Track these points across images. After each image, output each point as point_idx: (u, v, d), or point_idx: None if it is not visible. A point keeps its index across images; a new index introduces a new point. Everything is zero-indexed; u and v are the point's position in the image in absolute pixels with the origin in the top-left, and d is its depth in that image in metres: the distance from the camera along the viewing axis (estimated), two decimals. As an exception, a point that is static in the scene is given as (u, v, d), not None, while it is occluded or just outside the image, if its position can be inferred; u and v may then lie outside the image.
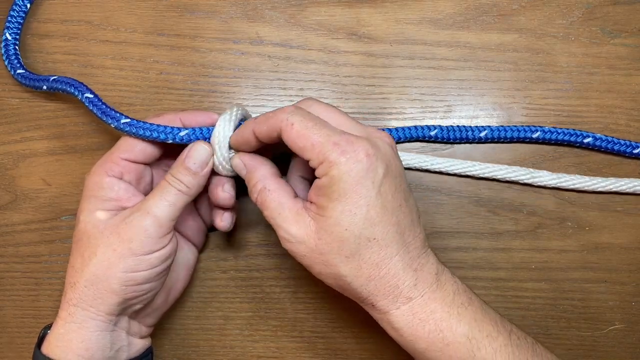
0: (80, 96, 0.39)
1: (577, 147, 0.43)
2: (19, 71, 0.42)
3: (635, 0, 0.44)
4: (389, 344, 0.42)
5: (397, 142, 0.42)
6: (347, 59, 0.44)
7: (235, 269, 0.43)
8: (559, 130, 0.42)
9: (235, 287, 0.43)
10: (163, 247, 0.34)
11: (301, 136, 0.32)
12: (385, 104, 0.43)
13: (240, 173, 0.36)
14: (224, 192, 0.36)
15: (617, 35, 0.44)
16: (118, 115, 0.37)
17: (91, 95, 0.38)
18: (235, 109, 0.37)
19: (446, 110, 0.43)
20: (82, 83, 0.39)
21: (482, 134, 0.42)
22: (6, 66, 0.42)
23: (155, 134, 0.36)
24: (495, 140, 0.43)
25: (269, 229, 0.43)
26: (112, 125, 0.37)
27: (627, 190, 0.42)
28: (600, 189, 0.42)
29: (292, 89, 0.43)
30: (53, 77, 0.40)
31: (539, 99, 0.43)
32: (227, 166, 0.36)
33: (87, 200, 0.35)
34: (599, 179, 0.42)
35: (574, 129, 0.42)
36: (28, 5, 0.43)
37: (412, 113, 0.43)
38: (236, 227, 0.43)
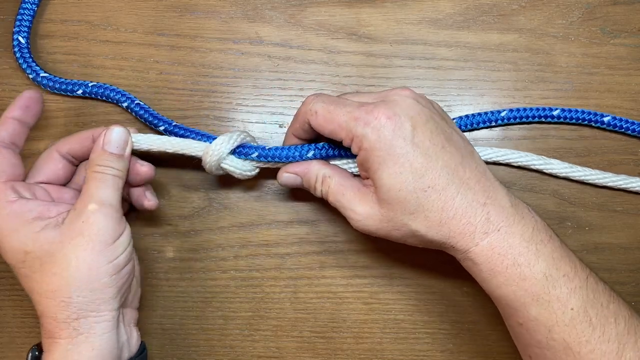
0: (128, 103, 0.41)
1: (596, 128, 0.43)
2: (42, 74, 0.42)
3: (635, 0, 0.44)
4: (389, 344, 0.42)
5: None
6: (347, 59, 0.44)
7: (235, 269, 0.43)
8: (579, 110, 0.42)
9: (235, 287, 0.43)
10: (125, 227, 0.35)
11: (327, 121, 0.34)
12: (385, 104, 0.43)
13: (296, 184, 0.38)
14: (143, 166, 0.38)
15: (617, 35, 0.44)
16: (168, 119, 0.41)
17: (141, 102, 0.41)
18: (236, 135, 0.38)
19: (446, 110, 0.43)
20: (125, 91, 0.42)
21: (503, 114, 0.42)
22: (24, 70, 0.42)
23: (191, 135, 0.40)
24: (517, 120, 0.43)
25: (269, 229, 0.43)
26: (161, 128, 0.40)
27: (638, 189, 0.42)
28: (610, 184, 0.42)
29: (292, 89, 0.43)
30: (92, 83, 0.42)
31: (539, 99, 0.43)
32: (214, 171, 0.39)
33: (16, 234, 0.34)
34: (609, 174, 0.42)
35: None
36: (35, 9, 0.43)
37: (412, 113, 0.43)
38: (237, 227, 0.43)
